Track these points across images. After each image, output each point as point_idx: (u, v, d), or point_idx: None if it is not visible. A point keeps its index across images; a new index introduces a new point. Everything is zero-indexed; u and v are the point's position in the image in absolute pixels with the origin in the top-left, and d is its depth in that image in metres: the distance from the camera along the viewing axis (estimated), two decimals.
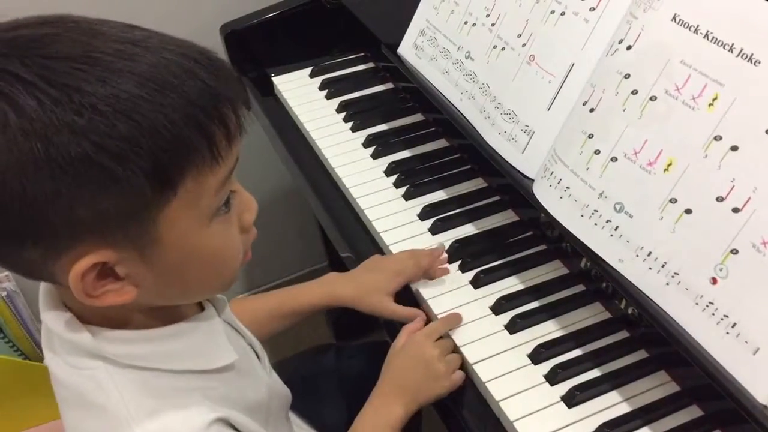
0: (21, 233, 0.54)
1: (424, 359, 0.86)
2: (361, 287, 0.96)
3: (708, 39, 0.71)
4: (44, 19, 0.55)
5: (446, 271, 0.96)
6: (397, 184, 1.11)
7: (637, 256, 0.75)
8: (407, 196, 1.09)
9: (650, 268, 0.73)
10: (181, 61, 0.56)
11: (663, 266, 0.72)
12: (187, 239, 0.59)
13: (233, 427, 0.67)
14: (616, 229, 0.77)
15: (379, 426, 0.84)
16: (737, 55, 0.69)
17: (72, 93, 0.51)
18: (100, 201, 0.53)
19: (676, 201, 0.72)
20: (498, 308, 0.91)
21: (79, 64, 0.52)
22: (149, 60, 0.55)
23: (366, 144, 1.19)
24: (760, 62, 0.67)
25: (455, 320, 0.90)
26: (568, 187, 0.82)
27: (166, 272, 0.60)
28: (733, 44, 0.69)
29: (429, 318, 0.93)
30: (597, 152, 0.79)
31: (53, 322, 0.64)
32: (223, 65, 0.59)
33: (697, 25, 0.72)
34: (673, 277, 0.72)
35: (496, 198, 1.07)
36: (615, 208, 0.77)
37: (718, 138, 0.69)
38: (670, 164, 0.73)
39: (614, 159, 0.78)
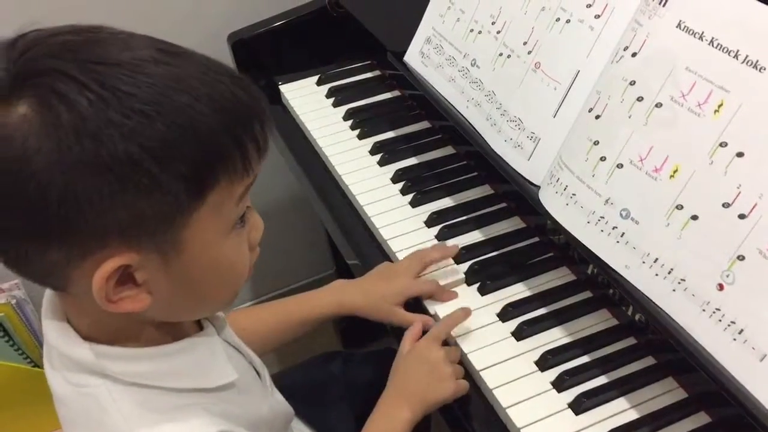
0: (52, 232, 0.54)
1: (429, 361, 0.86)
2: (369, 295, 0.96)
3: (713, 45, 0.71)
4: (80, 28, 0.57)
5: (454, 295, 0.96)
6: (403, 192, 1.11)
7: (644, 262, 0.75)
8: (414, 203, 1.09)
9: (657, 275, 0.73)
10: (216, 76, 0.58)
11: (669, 272, 0.72)
12: (208, 248, 0.60)
13: None
14: (622, 236, 0.77)
15: (388, 430, 0.84)
16: (742, 62, 0.69)
17: (121, 96, 0.53)
18: (138, 203, 0.54)
19: (682, 207, 0.72)
20: (505, 315, 0.91)
21: (125, 70, 0.54)
22: (187, 72, 0.56)
23: (373, 151, 1.20)
24: (765, 68, 0.67)
25: (456, 318, 0.90)
26: (574, 194, 0.82)
27: (181, 281, 0.61)
28: (738, 51, 0.69)
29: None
30: (603, 159, 0.80)
31: (54, 335, 0.64)
32: (251, 84, 0.61)
33: (702, 32, 0.72)
34: (679, 283, 0.72)
35: (503, 205, 1.07)
36: (621, 215, 0.77)
37: (723, 144, 0.69)
38: (676, 170, 0.73)
39: (620, 165, 0.78)
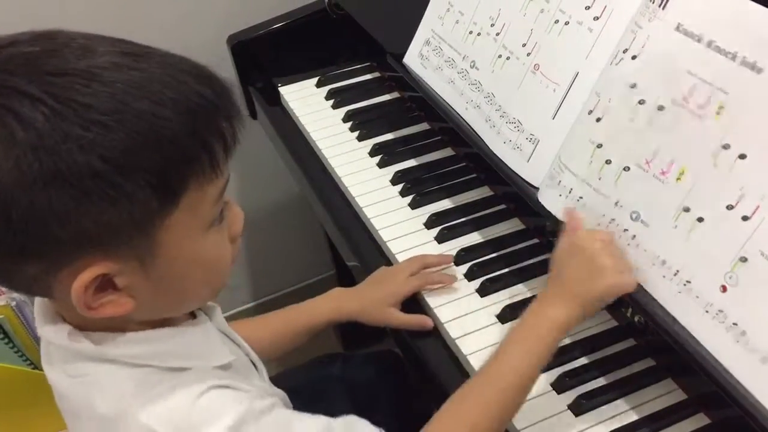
0: (26, 248, 0.54)
1: (584, 252, 0.77)
2: (366, 300, 0.96)
3: (712, 48, 0.71)
4: (38, 35, 0.56)
5: (452, 280, 0.96)
6: (403, 193, 1.11)
7: (653, 264, 0.75)
8: (413, 205, 1.09)
9: (664, 277, 0.74)
10: (179, 76, 0.57)
11: (676, 274, 0.72)
12: (186, 249, 0.61)
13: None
14: (633, 238, 0.77)
15: (539, 330, 0.75)
16: (741, 64, 0.69)
17: (78, 108, 0.52)
18: (107, 214, 0.54)
19: (689, 210, 0.72)
20: (504, 317, 0.91)
21: (82, 80, 0.53)
22: (149, 75, 0.56)
23: (372, 153, 1.20)
24: (763, 70, 0.67)
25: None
26: (581, 197, 0.82)
27: (163, 282, 0.61)
28: (736, 53, 0.69)
29: (435, 326, 0.93)
30: (608, 162, 0.80)
31: (54, 335, 0.64)
32: (218, 79, 0.60)
33: (701, 35, 0.72)
34: (685, 285, 0.72)
35: (502, 206, 1.07)
36: (632, 217, 0.77)
37: (726, 146, 0.69)
38: (682, 173, 0.73)
39: (627, 168, 0.78)
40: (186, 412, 0.62)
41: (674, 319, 0.72)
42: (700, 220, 0.71)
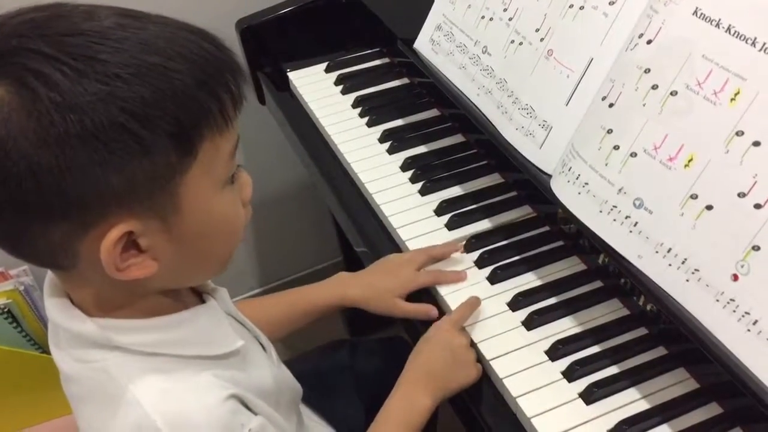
0: (52, 208, 0.55)
1: (452, 346, 0.86)
2: (371, 289, 0.96)
3: (730, 33, 0.70)
4: (43, 6, 0.58)
5: (462, 278, 0.95)
6: (413, 180, 1.11)
7: (657, 252, 0.74)
8: (423, 192, 1.08)
9: (670, 265, 0.73)
10: (182, 34, 0.59)
11: (683, 263, 0.72)
12: (204, 207, 0.62)
13: (246, 406, 0.68)
14: (635, 225, 0.76)
15: (406, 415, 0.83)
16: (760, 50, 0.68)
17: (94, 64, 0.54)
18: (129, 168, 0.55)
19: (696, 197, 0.71)
20: (515, 304, 0.91)
21: (94, 38, 0.55)
22: (153, 33, 0.58)
23: (382, 139, 1.19)
24: None
25: (476, 303, 0.90)
26: (586, 183, 0.81)
27: (183, 242, 0.62)
28: (755, 38, 0.68)
29: (443, 314, 0.93)
30: (616, 147, 0.79)
31: (57, 313, 0.65)
32: (218, 38, 0.63)
33: (719, 19, 0.71)
34: (693, 273, 0.71)
35: (513, 193, 1.07)
36: (634, 204, 0.76)
37: (740, 133, 0.68)
38: (690, 160, 0.72)
39: (634, 154, 0.77)
40: (198, 422, 0.63)
41: (684, 308, 0.72)
42: (709, 207, 0.70)
